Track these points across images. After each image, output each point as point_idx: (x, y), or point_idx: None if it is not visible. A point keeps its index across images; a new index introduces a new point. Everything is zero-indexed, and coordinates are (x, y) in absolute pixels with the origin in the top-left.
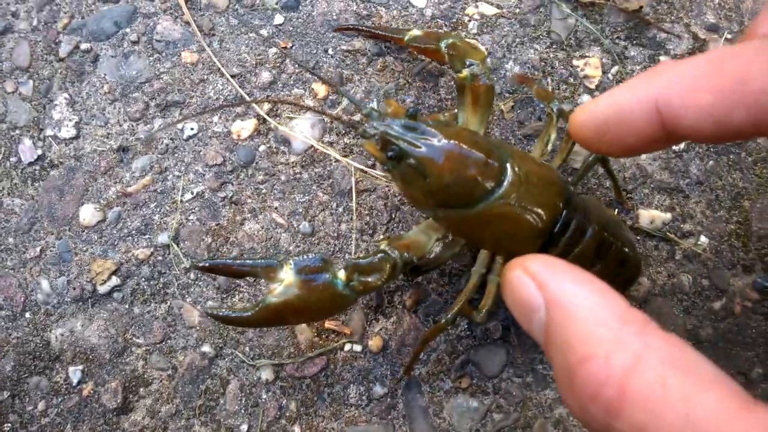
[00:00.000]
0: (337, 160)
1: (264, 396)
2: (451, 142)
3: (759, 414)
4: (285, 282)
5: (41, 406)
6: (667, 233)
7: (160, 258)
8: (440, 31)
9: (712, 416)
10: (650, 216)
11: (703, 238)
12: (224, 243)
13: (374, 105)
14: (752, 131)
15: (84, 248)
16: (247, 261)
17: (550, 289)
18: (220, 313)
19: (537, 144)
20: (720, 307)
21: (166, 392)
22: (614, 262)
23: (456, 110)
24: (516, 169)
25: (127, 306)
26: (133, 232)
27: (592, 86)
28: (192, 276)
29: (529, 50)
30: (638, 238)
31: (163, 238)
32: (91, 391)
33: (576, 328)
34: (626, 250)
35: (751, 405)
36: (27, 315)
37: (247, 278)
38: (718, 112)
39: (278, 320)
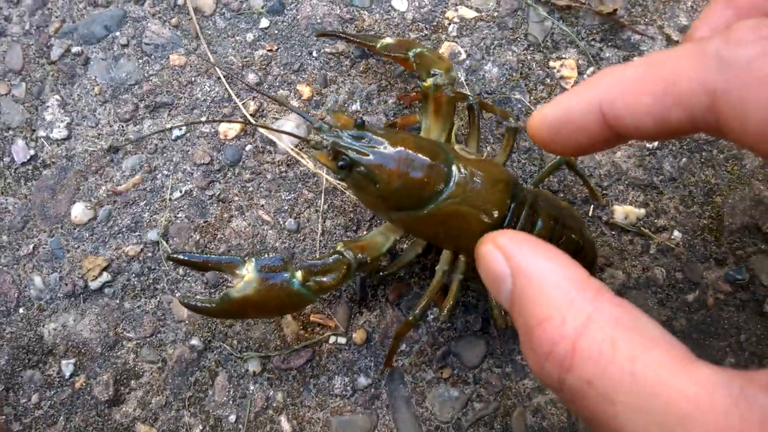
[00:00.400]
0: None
1: (251, 387)
2: (398, 148)
3: (698, 370)
4: (245, 278)
5: (35, 398)
6: (642, 228)
7: (149, 254)
8: (411, 40)
9: (655, 372)
10: (625, 211)
11: (676, 233)
12: (212, 240)
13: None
14: (690, 128)
15: (76, 245)
16: (212, 257)
17: (516, 259)
18: (189, 302)
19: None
20: (693, 299)
21: (157, 384)
22: (567, 251)
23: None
24: (462, 169)
25: (118, 301)
26: (124, 229)
27: (569, 87)
28: (181, 272)
29: (507, 52)
30: (613, 233)
31: (152, 235)
32: (84, 384)
33: (536, 293)
34: (575, 237)
35: (693, 362)
36: (20, 310)
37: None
38: (656, 112)
39: (239, 313)
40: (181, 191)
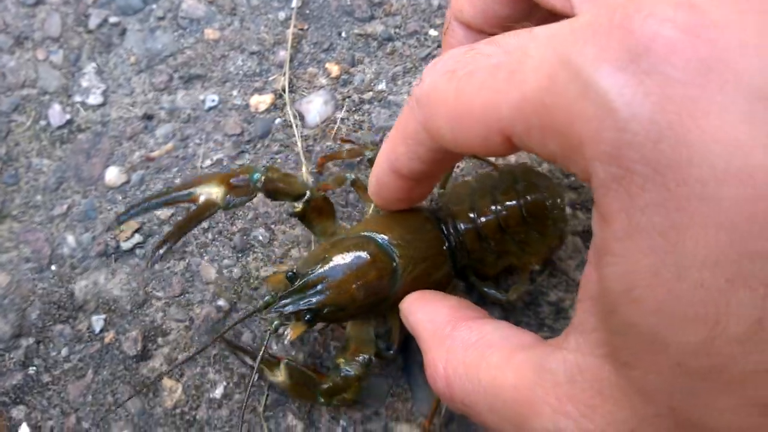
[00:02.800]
0: (348, 134)
1: (274, 347)
2: (335, 267)
3: (516, 357)
4: (279, 379)
5: (64, 352)
6: None
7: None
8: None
9: (491, 375)
10: None
11: None
12: (241, 207)
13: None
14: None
15: (109, 207)
16: (256, 356)
17: (408, 323)
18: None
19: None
20: None
21: (183, 342)
22: (523, 244)
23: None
24: (393, 241)
25: (147, 262)
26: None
27: None
28: (210, 236)
29: None
30: None
31: None
32: (113, 339)
33: (420, 342)
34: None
35: (517, 351)
36: (53, 267)
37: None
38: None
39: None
40: (212, 159)
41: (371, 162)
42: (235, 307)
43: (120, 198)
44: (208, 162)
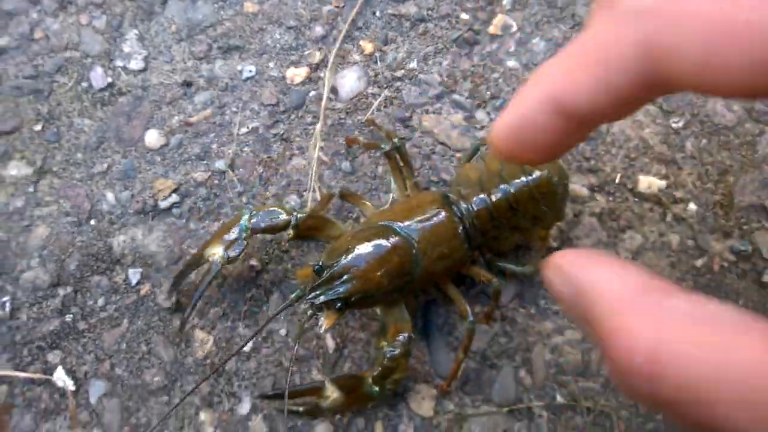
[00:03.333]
0: (379, 109)
1: (302, 306)
2: (356, 252)
3: None
4: (332, 398)
5: (101, 301)
6: (661, 198)
7: (216, 182)
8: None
9: (750, 361)
10: (648, 182)
11: (691, 205)
12: (274, 174)
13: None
14: (643, 91)
15: (147, 168)
16: (299, 388)
17: (575, 280)
18: (292, 410)
19: (396, 186)
20: (701, 264)
21: (216, 297)
22: (535, 219)
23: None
24: (411, 227)
25: (184, 221)
26: (193, 157)
27: None
28: (244, 199)
29: (554, 29)
30: (636, 200)
31: (220, 164)
32: (148, 292)
33: (601, 308)
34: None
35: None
36: (92, 222)
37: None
38: (598, 86)
39: (326, 414)
40: (248, 127)
41: (387, 155)
42: (266, 267)
43: (159, 159)
44: (244, 129)
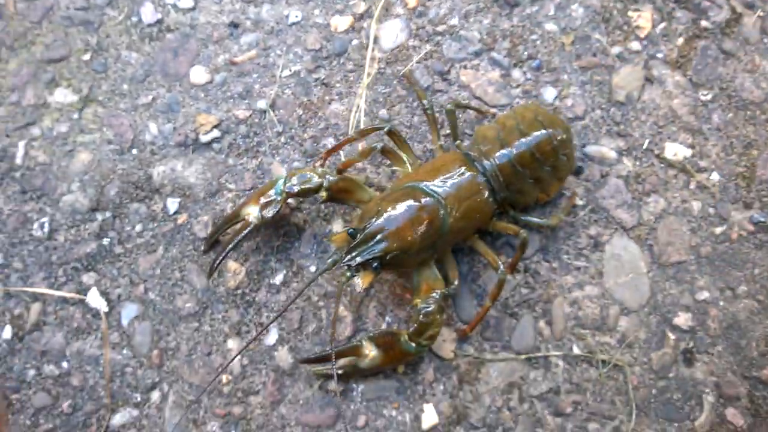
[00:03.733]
0: (419, 62)
1: (333, 247)
2: (390, 217)
3: None
4: (370, 356)
5: (138, 228)
6: (686, 165)
7: (256, 120)
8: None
9: None
10: (674, 149)
11: (714, 175)
12: (313, 116)
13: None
14: None
15: (191, 103)
16: (339, 348)
17: None
18: (321, 372)
19: (433, 138)
20: (720, 232)
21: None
22: (554, 169)
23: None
24: (437, 185)
25: (223, 156)
26: (236, 95)
27: (642, 35)
28: (282, 139)
29: None
30: (662, 165)
31: (261, 104)
32: (185, 221)
33: None
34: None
35: None
36: (134, 151)
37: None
38: None
39: (364, 374)
40: (290, 70)
41: (384, 151)
42: (300, 206)
43: (202, 95)
44: (286, 72)
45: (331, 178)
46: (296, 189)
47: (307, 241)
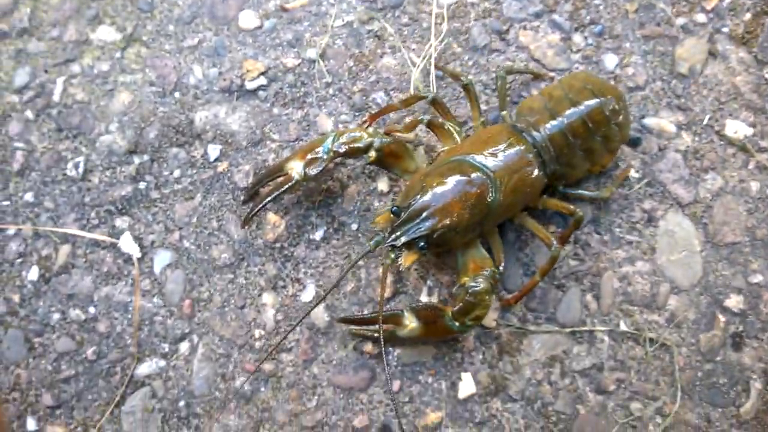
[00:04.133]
0: (477, 18)
1: (376, 203)
2: (437, 193)
3: None
4: (409, 327)
5: (177, 173)
6: (746, 144)
7: (305, 70)
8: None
9: None
10: (735, 127)
11: None
12: (363, 69)
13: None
14: None
15: (238, 48)
16: (383, 314)
17: None
18: (359, 332)
19: (474, 116)
20: None
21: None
22: (605, 139)
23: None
24: (486, 158)
25: (268, 105)
26: (285, 43)
27: (708, 8)
28: (330, 91)
29: None
30: (721, 143)
31: (311, 53)
32: (226, 169)
33: None
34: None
35: None
36: (176, 94)
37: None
38: None
39: (402, 343)
40: (342, 20)
41: (430, 125)
42: (344, 161)
43: (250, 41)
44: (339, 22)
45: (382, 139)
46: (345, 149)
47: (350, 199)
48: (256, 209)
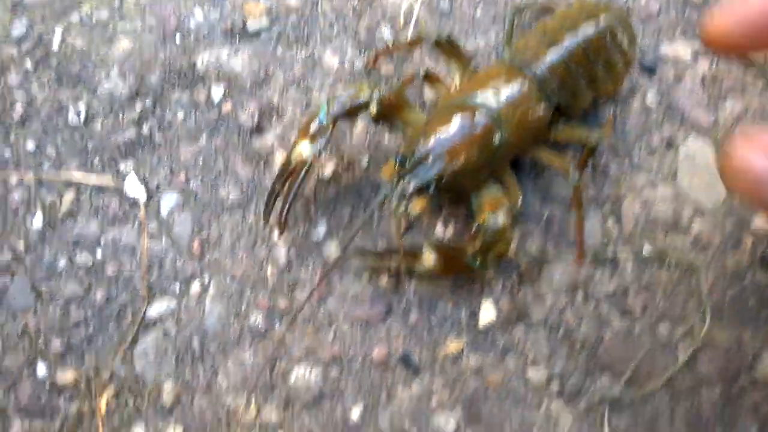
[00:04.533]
0: None
1: (387, 136)
2: (441, 136)
3: None
4: (427, 263)
5: (180, 115)
6: (765, 68)
7: (308, 10)
8: None
9: None
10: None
11: None
12: (368, 6)
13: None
14: None
15: None
16: (403, 248)
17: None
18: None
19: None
20: None
21: (297, 123)
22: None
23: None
24: (487, 97)
25: (272, 46)
26: None
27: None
28: (336, 30)
29: None
30: (739, 68)
31: None
32: (230, 110)
33: None
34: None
35: None
36: (177, 39)
37: None
38: None
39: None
40: None
41: (428, 78)
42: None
43: None
44: None
45: (380, 92)
46: (344, 108)
47: (360, 134)
48: (285, 212)
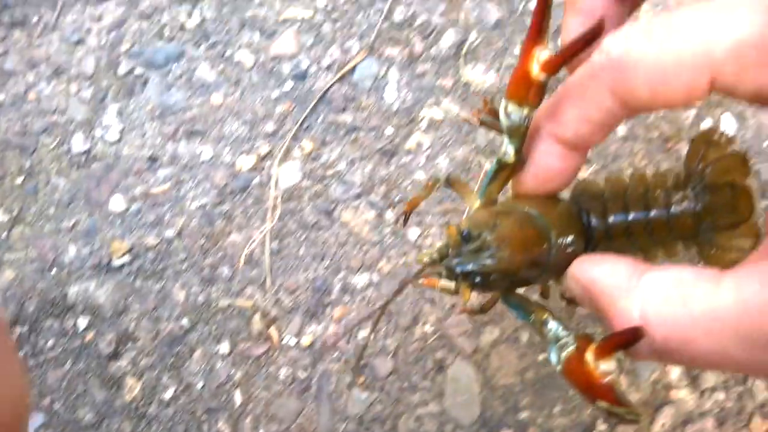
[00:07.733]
0: (310, 199)
1: (219, 364)
2: (507, 234)
3: (726, 283)
4: None
5: (50, 343)
6: None
7: (164, 248)
8: None
9: (702, 302)
10: None
11: None
12: (213, 246)
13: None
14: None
15: (107, 229)
16: None
17: (579, 279)
18: None
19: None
20: None
21: (148, 349)
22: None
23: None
24: (548, 217)
25: (131, 279)
26: (147, 224)
27: None
28: (185, 266)
29: (458, 150)
30: None
31: (169, 233)
32: (92, 338)
33: (600, 298)
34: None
35: (720, 279)
36: (53, 271)
37: None
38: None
39: None
40: (198, 203)
41: (449, 181)
42: (194, 326)
43: (118, 222)
44: (194, 204)
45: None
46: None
47: (197, 361)
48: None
